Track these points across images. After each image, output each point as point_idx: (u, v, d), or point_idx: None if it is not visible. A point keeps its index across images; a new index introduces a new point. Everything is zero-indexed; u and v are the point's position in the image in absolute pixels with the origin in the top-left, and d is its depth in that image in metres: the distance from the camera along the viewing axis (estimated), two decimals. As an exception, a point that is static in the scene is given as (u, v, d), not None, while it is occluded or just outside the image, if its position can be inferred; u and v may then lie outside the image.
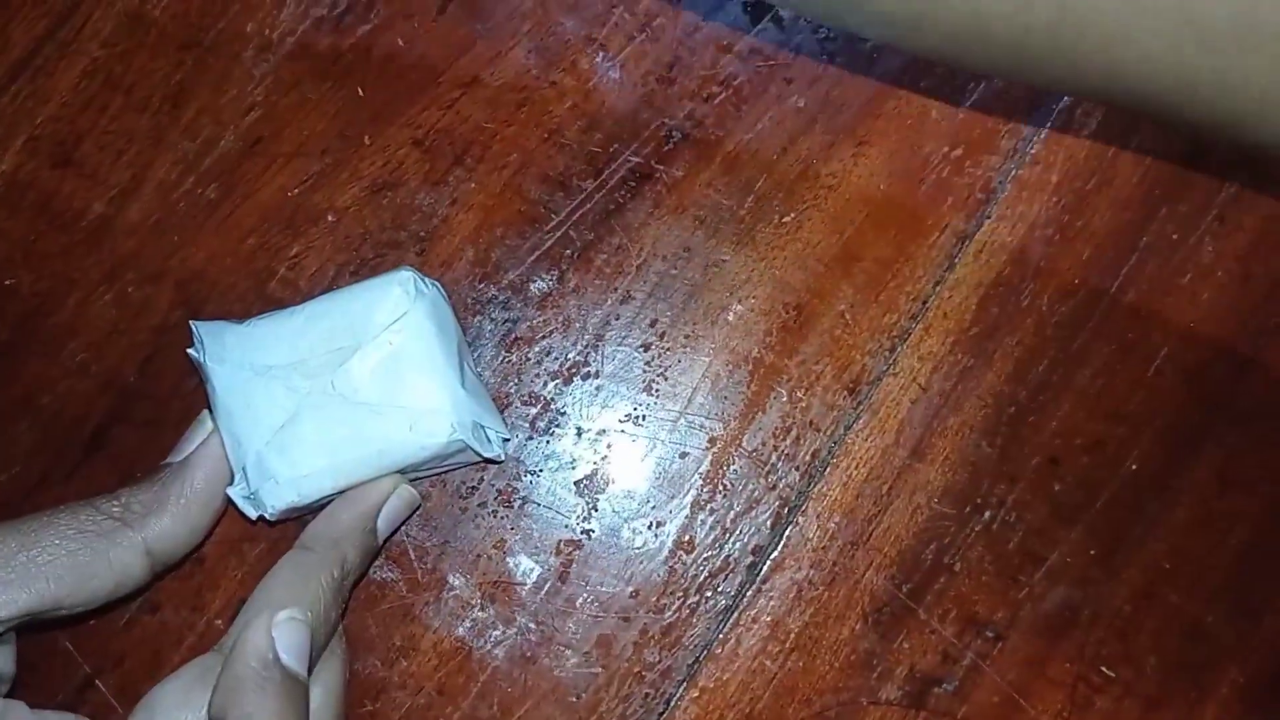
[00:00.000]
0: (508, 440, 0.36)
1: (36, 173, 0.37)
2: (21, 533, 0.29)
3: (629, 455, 0.37)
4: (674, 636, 0.36)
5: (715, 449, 0.37)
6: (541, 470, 0.36)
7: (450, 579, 0.36)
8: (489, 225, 0.37)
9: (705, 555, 0.36)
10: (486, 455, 0.34)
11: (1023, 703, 0.36)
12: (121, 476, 0.36)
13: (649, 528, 0.36)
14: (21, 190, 0.37)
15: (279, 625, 0.28)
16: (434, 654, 0.35)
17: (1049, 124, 0.38)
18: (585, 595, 0.36)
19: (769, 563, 0.36)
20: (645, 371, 0.37)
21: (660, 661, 0.36)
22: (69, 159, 0.37)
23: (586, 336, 0.37)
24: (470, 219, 0.37)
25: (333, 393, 0.32)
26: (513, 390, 0.37)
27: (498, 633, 0.36)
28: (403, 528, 0.35)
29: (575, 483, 0.36)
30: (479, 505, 0.36)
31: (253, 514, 0.32)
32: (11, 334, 0.36)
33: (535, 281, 0.37)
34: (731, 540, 0.36)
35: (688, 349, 0.37)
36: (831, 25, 0.37)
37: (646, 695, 0.36)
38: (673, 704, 0.36)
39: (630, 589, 0.36)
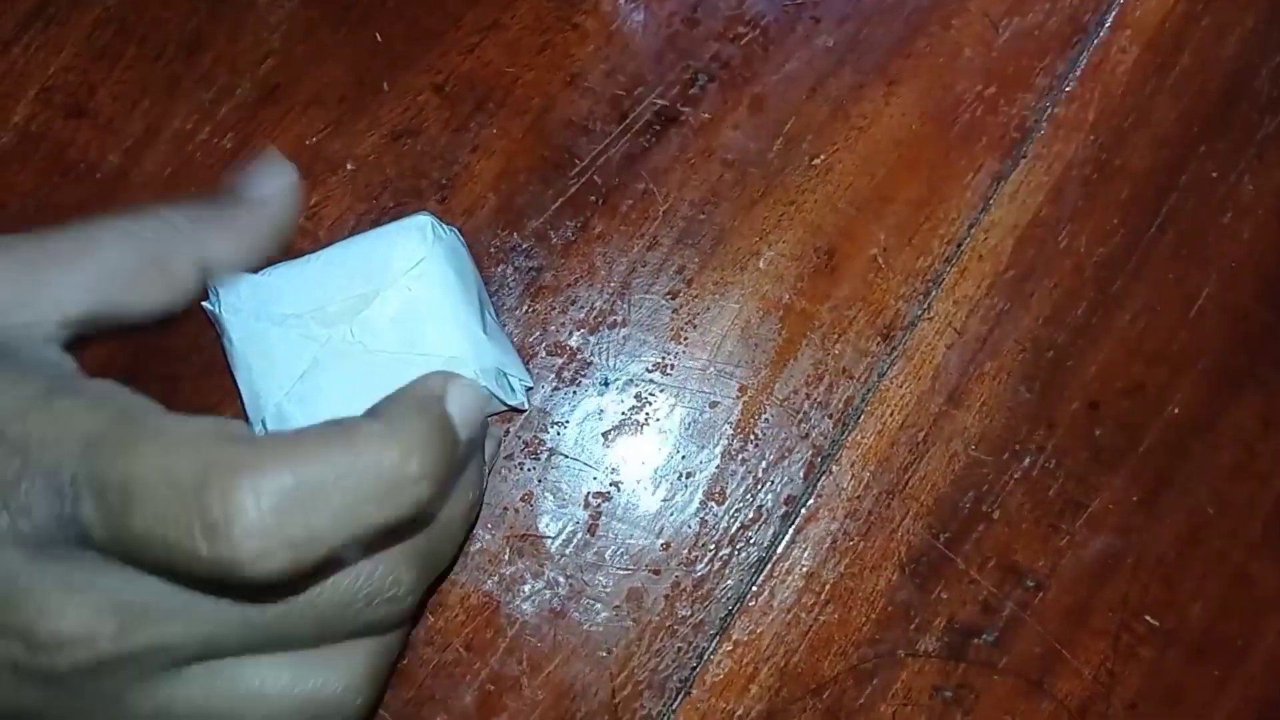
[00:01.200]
0: (531, 389, 0.35)
1: (50, 124, 0.36)
2: (78, 235, 0.28)
3: (657, 405, 0.36)
4: (706, 589, 0.35)
5: (746, 398, 0.36)
6: (568, 421, 0.36)
7: (477, 532, 0.35)
8: (511, 172, 0.36)
9: (737, 506, 0.36)
10: (510, 403, 0.33)
11: (1065, 653, 0.35)
12: (141, 432, 0.35)
13: (679, 479, 0.36)
14: (35, 142, 0.36)
15: (454, 383, 0.26)
16: (461, 609, 0.35)
17: (1084, 61, 0.37)
18: (615, 548, 0.35)
19: (802, 513, 0.35)
20: (673, 319, 0.36)
21: (692, 615, 0.35)
22: (83, 110, 0.36)
23: (612, 284, 0.36)
24: (492, 166, 0.37)
25: (352, 340, 0.31)
26: (538, 340, 0.36)
27: (526, 587, 0.35)
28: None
29: (603, 434, 0.36)
30: (505, 458, 0.35)
31: None
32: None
33: (559, 229, 0.36)
34: (764, 490, 0.36)
35: (716, 296, 0.36)
36: None
37: (679, 649, 0.35)
38: (705, 658, 0.35)
39: (661, 541, 0.35)
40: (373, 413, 0.25)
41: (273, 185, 0.31)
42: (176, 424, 0.23)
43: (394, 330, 0.31)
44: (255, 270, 0.31)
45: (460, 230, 0.35)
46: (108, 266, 0.28)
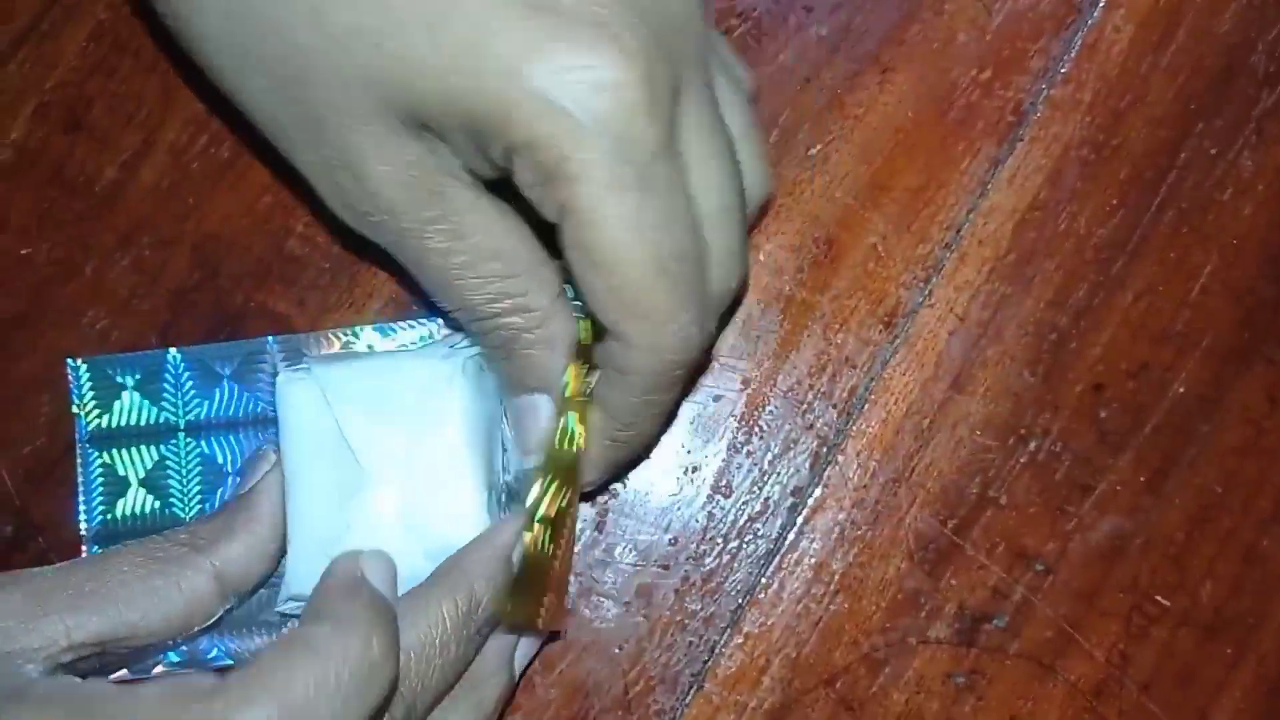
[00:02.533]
0: None
1: (47, 139, 0.36)
2: (89, 563, 0.29)
3: (661, 400, 0.36)
4: (715, 583, 0.35)
5: (749, 390, 0.36)
6: (573, 419, 0.36)
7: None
8: (508, 172, 0.37)
9: (744, 499, 0.36)
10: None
11: (1077, 636, 0.35)
12: (147, 444, 0.35)
13: (685, 473, 0.36)
14: (33, 158, 0.36)
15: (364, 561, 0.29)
16: (472, 610, 0.35)
17: (1079, 42, 0.37)
18: (623, 545, 0.35)
19: (810, 504, 0.35)
20: (674, 314, 0.36)
21: (703, 609, 0.35)
22: (79, 124, 0.36)
23: (613, 281, 0.36)
24: (489, 166, 0.37)
25: (370, 503, 0.31)
26: (540, 339, 0.36)
27: (536, 586, 0.35)
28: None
29: (608, 431, 0.36)
30: (511, 457, 0.35)
31: None
32: (29, 305, 0.36)
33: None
34: (770, 483, 0.36)
35: (717, 289, 0.36)
36: None
37: (690, 643, 0.35)
38: (717, 651, 0.35)
39: (669, 536, 0.35)
40: (311, 618, 0.27)
41: (258, 473, 0.32)
42: (130, 707, 0.25)
43: (403, 507, 0.31)
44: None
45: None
46: (118, 589, 0.28)
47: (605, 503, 0.35)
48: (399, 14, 0.25)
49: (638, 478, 0.35)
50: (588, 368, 0.31)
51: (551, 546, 0.31)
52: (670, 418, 0.33)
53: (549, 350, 0.30)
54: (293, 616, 0.33)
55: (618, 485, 0.35)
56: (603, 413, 0.30)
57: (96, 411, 0.34)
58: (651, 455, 0.35)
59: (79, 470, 0.34)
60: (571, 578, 0.35)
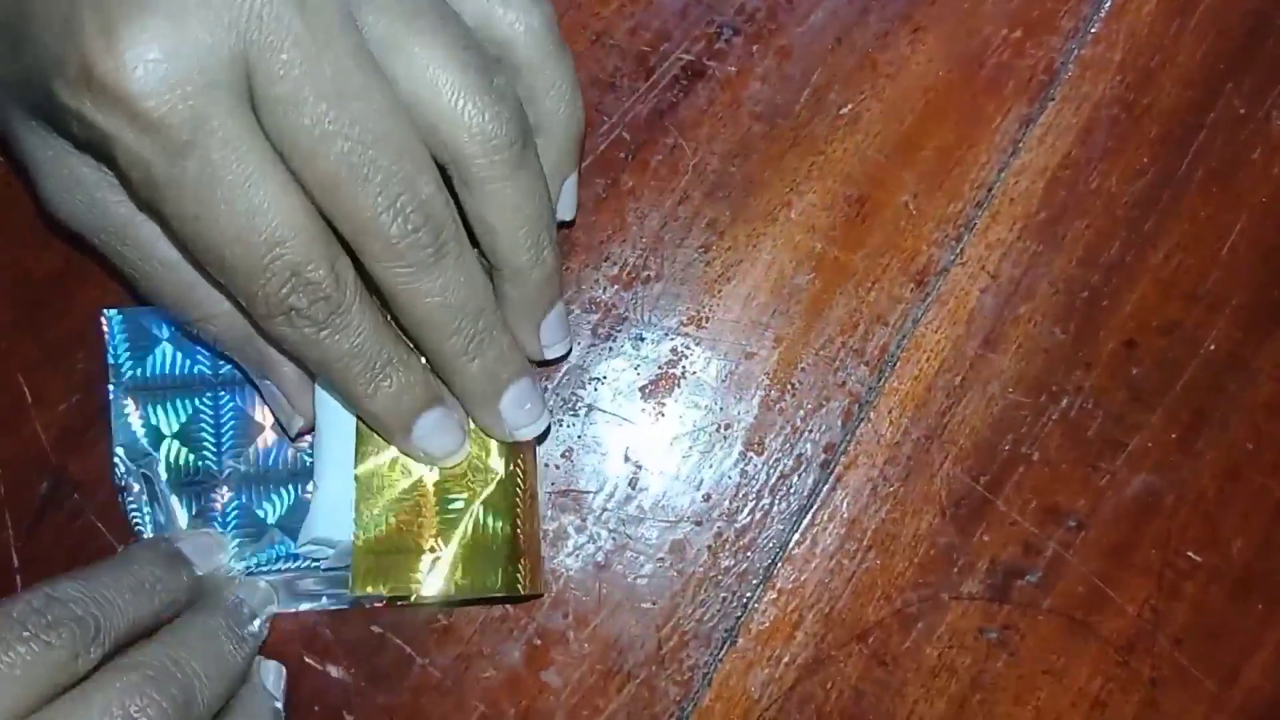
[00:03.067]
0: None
1: (81, 99, 0.36)
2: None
3: (693, 358, 0.36)
4: (749, 539, 0.35)
5: (781, 348, 0.36)
6: (605, 377, 0.36)
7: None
8: (541, 131, 0.37)
9: (776, 456, 0.36)
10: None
11: (1109, 591, 0.35)
12: (182, 401, 0.35)
13: (718, 430, 0.36)
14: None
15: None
16: (506, 566, 0.35)
17: (1109, 1, 0.37)
18: (656, 501, 0.35)
19: (842, 460, 0.36)
20: (706, 272, 0.36)
21: (736, 565, 0.35)
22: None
23: (644, 240, 0.36)
24: (521, 126, 0.37)
25: None
26: (573, 297, 0.36)
27: (570, 542, 0.35)
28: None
29: (640, 388, 0.36)
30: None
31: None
32: (64, 263, 0.36)
33: (590, 186, 0.36)
34: (802, 439, 0.36)
35: (749, 248, 0.36)
36: None
37: (723, 599, 0.35)
38: (750, 607, 0.35)
39: (702, 493, 0.35)
40: None
41: (209, 563, 0.32)
42: None
43: None
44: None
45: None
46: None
47: (638, 460, 0.35)
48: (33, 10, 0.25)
49: (671, 434, 0.36)
50: None
51: (507, 517, 0.31)
52: (547, 237, 0.30)
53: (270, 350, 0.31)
54: (313, 559, 0.33)
55: (651, 442, 0.35)
56: (495, 276, 0.30)
57: (131, 363, 0.34)
58: (682, 413, 0.36)
59: (113, 422, 0.34)
60: (602, 529, 0.35)
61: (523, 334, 0.32)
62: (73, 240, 0.31)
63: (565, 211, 0.34)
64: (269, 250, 0.26)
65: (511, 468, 0.32)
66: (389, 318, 0.29)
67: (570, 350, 0.35)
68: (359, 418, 0.31)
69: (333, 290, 0.27)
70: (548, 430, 0.35)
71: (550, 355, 0.33)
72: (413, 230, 0.27)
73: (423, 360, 0.30)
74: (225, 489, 0.34)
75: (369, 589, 0.30)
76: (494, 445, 0.32)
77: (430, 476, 0.31)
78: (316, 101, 0.25)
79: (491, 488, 0.31)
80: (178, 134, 0.24)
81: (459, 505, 0.31)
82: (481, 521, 0.31)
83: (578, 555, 0.35)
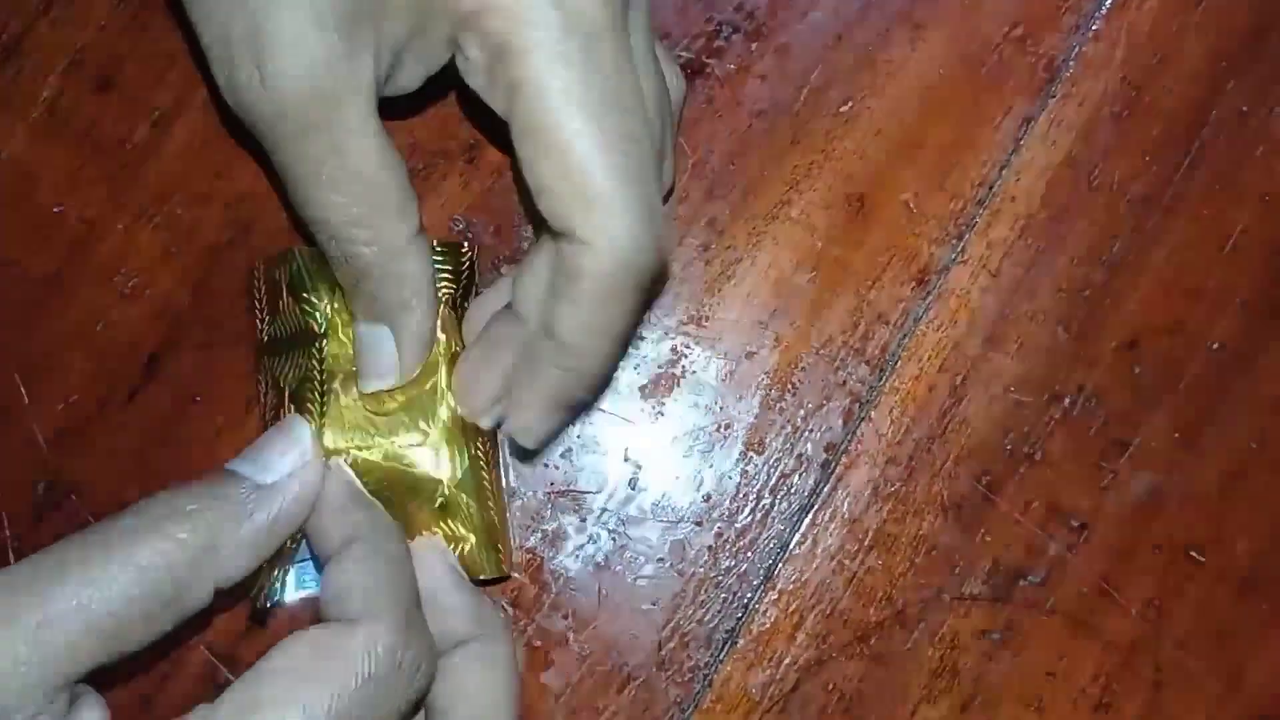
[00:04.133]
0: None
1: (79, 98, 0.36)
2: (80, 579, 0.25)
3: (693, 357, 0.36)
4: (749, 539, 0.35)
5: (782, 347, 0.36)
6: (605, 377, 0.36)
7: (518, 488, 0.35)
8: (539, 130, 0.36)
9: (777, 456, 0.35)
10: None
11: (1112, 592, 0.35)
12: (179, 402, 0.35)
13: (718, 430, 0.36)
14: (65, 117, 0.36)
15: None
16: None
17: (1111, -1, 0.37)
18: (656, 501, 0.35)
19: (843, 460, 0.35)
20: (706, 272, 0.36)
21: (736, 565, 0.35)
22: (110, 83, 0.36)
23: (644, 239, 0.36)
24: (520, 124, 0.36)
25: None
26: (572, 297, 0.36)
27: (569, 543, 0.35)
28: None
29: (640, 388, 0.36)
30: (543, 415, 0.35)
31: None
32: (61, 263, 0.36)
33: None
34: (803, 439, 0.36)
35: (749, 247, 0.36)
36: None
37: (724, 600, 0.35)
38: (751, 607, 0.35)
39: (702, 493, 0.35)
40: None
41: (289, 464, 0.29)
42: None
43: None
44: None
45: (487, 190, 0.35)
46: (117, 616, 0.25)
47: (638, 459, 0.35)
48: None
49: (671, 434, 0.35)
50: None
51: (480, 500, 0.32)
52: (622, 352, 0.30)
53: (398, 287, 0.30)
54: None
55: (651, 442, 0.35)
56: (553, 341, 0.28)
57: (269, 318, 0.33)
58: (682, 413, 0.35)
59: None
60: (602, 530, 0.35)
61: (532, 412, 0.30)
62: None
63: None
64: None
65: (473, 451, 0.32)
66: None
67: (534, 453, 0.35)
68: None
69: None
70: None
71: (527, 443, 0.31)
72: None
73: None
74: None
75: None
76: (446, 439, 0.32)
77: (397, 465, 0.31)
78: None
79: (460, 475, 0.31)
80: (595, 24, 0.26)
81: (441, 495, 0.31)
82: (463, 507, 0.31)
83: (577, 556, 0.35)
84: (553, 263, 0.28)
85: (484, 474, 0.32)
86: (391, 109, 0.29)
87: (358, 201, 0.28)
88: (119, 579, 0.25)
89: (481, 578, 0.32)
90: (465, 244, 0.33)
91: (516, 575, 0.35)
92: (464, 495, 0.31)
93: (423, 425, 0.31)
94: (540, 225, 0.28)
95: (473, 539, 0.32)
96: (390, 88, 0.30)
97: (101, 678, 0.26)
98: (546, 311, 0.28)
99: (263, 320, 0.33)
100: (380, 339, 0.31)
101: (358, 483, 0.30)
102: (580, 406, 0.31)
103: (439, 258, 0.32)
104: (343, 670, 0.26)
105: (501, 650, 0.30)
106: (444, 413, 0.31)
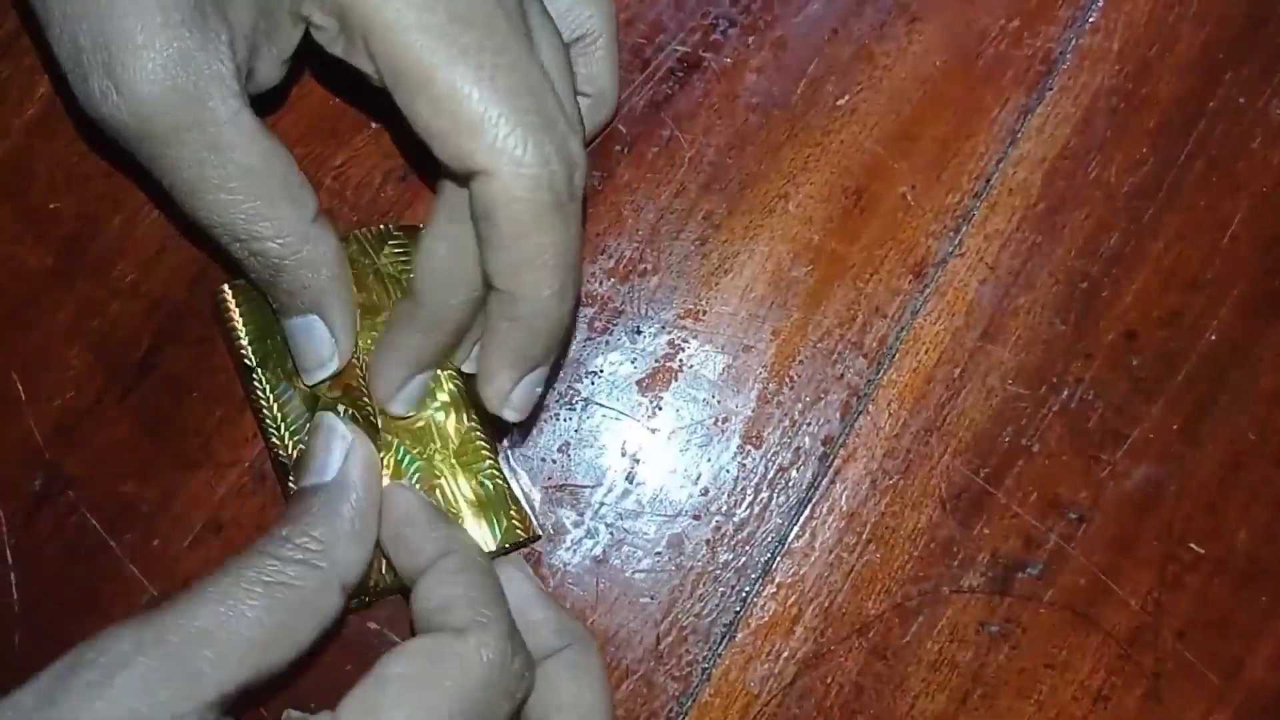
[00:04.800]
0: None
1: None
2: (209, 601, 0.26)
3: (691, 351, 0.36)
4: (747, 533, 0.35)
5: (779, 341, 0.36)
6: (602, 370, 0.36)
7: (514, 485, 0.35)
8: (536, 124, 0.36)
9: (774, 449, 0.35)
10: None
11: (1111, 584, 0.35)
12: (175, 396, 0.35)
13: (715, 424, 0.35)
14: (60, 113, 0.36)
15: None
16: (503, 561, 0.35)
17: (1107, -9, 0.37)
18: (654, 495, 0.35)
19: (841, 453, 0.35)
20: (703, 265, 0.36)
21: (734, 559, 0.35)
22: (106, 78, 0.36)
23: (641, 233, 0.36)
24: (517, 119, 0.36)
25: None
26: (569, 291, 0.36)
27: (567, 537, 0.35)
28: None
29: (637, 382, 0.36)
30: (540, 409, 0.35)
31: None
32: (58, 259, 0.36)
33: (586, 178, 0.36)
34: (801, 433, 0.35)
35: (746, 240, 0.36)
36: None
37: (722, 594, 0.35)
38: (749, 601, 0.35)
39: (700, 487, 0.35)
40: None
41: (337, 454, 0.30)
42: None
43: None
44: None
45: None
46: (259, 636, 0.26)
47: (635, 453, 0.35)
48: None
49: (668, 428, 0.35)
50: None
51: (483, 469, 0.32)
52: (572, 292, 0.28)
53: (313, 272, 0.29)
54: None
55: (648, 436, 0.35)
56: (495, 293, 0.28)
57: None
58: (679, 407, 0.35)
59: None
60: (600, 524, 0.35)
61: (498, 376, 0.29)
62: (119, 155, 0.29)
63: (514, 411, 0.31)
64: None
65: (469, 422, 0.32)
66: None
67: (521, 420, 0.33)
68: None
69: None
70: None
71: (509, 415, 0.30)
72: None
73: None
74: None
75: None
76: (440, 412, 0.32)
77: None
78: None
79: (456, 445, 0.32)
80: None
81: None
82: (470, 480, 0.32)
83: (575, 550, 0.35)
84: (459, 214, 0.28)
85: (481, 441, 0.32)
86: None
87: (249, 196, 0.27)
88: (250, 599, 0.26)
89: (509, 546, 0.32)
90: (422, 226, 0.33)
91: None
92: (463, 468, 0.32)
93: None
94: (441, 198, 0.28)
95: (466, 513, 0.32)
96: (253, 85, 0.29)
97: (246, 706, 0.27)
98: (471, 264, 0.28)
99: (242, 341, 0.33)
100: (310, 327, 0.31)
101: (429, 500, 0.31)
102: (544, 360, 0.29)
103: (397, 245, 0.32)
104: (459, 675, 0.26)
105: (593, 660, 0.31)
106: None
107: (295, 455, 0.32)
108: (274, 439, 0.32)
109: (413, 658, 0.27)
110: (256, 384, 0.33)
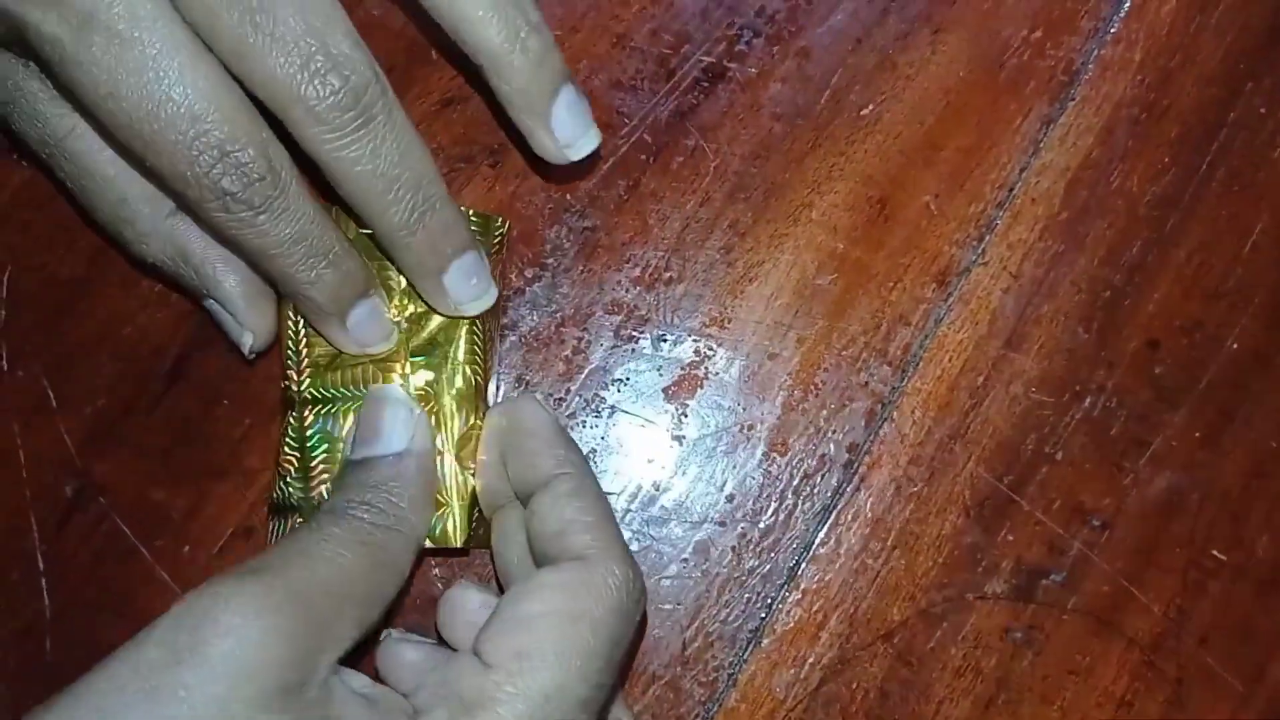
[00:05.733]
0: None
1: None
2: (312, 565, 0.27)
3: (716, 359, 0.36)
4: (773, 539, 0.35)
5: (804, 348, 0.36)
6: (628, 378, 0.36)
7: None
8: (562, 134, 0.37)
9: (799, 456, 0.36)
10: None
11: (1134, 591, 0.35)
12: (204, 404, 0.35)
13: (741, 431, 0.36)
14: (90, 122, 0.36)
15: None
16: (530, 568, 0.35)
17: (1128, 1, 0.37)
18: (679, 502, 0.35)
19: (865, 461, 0.36)
20: (728, 274, 0.36)
21: (760, 565, 0.35)
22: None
23: (666, 241, 0.36)
24: (543, 128, 0.37)
25: None
26: (595, 299, 0.36)
27: (593, 544, 0.35)
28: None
29: (664, 389, 0.36)
30: (568, 416, 0.36)
31: None
32: (88, 268, 0.36)
33: (612, 188, 0.37)
34: (825, 440, 0.36)
35: (771, 249, 0.36)
36: None
37: (748, 600, 0.35)
38: (775, 607, 0.35)
39: (725, 494, 0.35)
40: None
41: (401, 425, 0.31)
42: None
43: None
44: None
45: (512, 194, 0.35)
46: (368, 595, 0.27)
47: (662, 460, 0.35)
48: None
49: (694, 435, 0.36)
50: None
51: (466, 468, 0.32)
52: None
53: (325, 238, 0.29)
54: None
55: (674, 443, 0.35)
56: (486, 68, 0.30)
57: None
58: (705, 414, 0.36)
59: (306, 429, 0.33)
60: (626, 530, 0.35)
61: (534, 135, 0.31)
62: (31, 159, 0.31)
63: (578, 144, 0.32)
64: (190, 126, 0.26)
65: (474, 419, 0.32)
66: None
67: (598, 146, 0.33)
68: (297, 309, 0.32)
69: (265, 172, 0.27)
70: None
71: (574, 155, 0.31)
72: (331, 93, 0.27)
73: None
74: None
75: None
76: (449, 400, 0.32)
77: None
78: None
79: (456, 437, 0.32)
80: (78, 4, 0.25)
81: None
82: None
83: (602, 556, 0.35)
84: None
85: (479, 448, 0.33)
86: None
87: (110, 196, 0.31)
88: (349, 555, 0.27)
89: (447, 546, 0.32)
90: (501, 217, 0.33)
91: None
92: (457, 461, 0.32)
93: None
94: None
95: (455, 506, 0.32)
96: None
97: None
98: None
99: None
100: (371, 310, 0.31)
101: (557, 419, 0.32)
102: (563, 73, 0.31)
103: (473, 229, 0.32)
104: (595, 607, 0.27)
105: (590, 483, 0.31)
106: (459, 381, 0.32)
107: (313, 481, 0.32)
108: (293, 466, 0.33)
109: (549, 593, 0.27)
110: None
